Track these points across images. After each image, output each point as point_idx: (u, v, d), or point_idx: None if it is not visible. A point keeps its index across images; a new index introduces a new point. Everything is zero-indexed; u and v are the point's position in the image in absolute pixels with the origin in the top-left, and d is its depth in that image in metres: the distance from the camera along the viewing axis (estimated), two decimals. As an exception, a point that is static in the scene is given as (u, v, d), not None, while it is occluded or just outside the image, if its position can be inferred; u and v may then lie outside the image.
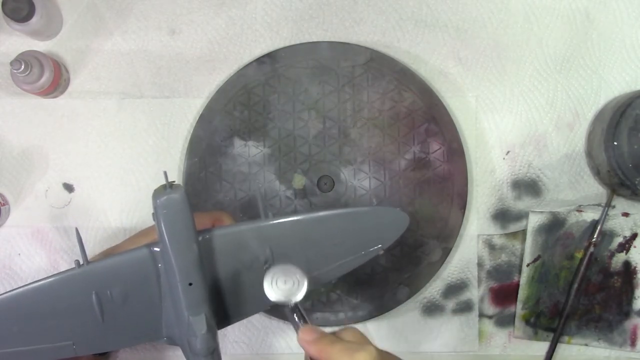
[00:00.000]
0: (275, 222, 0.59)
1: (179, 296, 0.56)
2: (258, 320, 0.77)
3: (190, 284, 0.55)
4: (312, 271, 0.60)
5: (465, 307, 0.76)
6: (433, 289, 0.77)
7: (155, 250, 0.57)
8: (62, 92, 0.77)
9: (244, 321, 0.77)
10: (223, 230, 0.58)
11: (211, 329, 0.57)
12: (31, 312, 0.56)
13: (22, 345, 0.57)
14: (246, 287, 0.59)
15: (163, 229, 0.55)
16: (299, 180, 0.76)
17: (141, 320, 0.59)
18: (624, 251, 0.75)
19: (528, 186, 0.77)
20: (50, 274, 0.56)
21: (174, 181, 0.55)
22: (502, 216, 0.77)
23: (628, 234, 0.75)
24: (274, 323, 0.77)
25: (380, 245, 0.61)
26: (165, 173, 0.55)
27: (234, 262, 0.59)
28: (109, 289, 0.57)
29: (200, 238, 0.56)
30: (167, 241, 0.55)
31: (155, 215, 0.55)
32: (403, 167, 0.75)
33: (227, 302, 0.60)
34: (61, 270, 0.56)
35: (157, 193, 0.54)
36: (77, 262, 0.56)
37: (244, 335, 0.77)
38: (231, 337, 0.77)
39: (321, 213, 0.60)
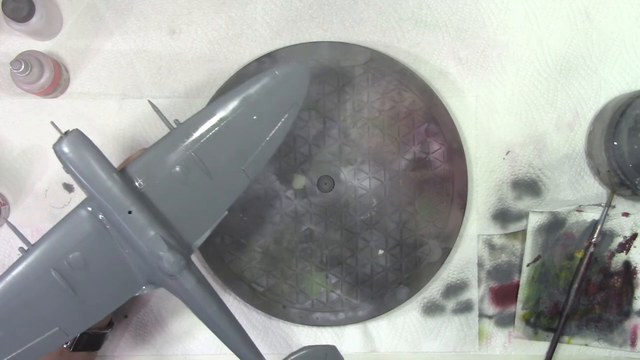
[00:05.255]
0: (182, 127, 0.59)
1: (127, 230, 0.56)
2: (258, 320, 0.77)
3: (130, 212, 0.56)
4: (247, 158, 0.61)
5: (465, 307, 0.77)
6: (433, 289, 0.77)
7: (88, 203, 0.57)
8: (62, 92, 0.77)
9: (244, 321, 0.77)
10: (139, 159, 0.59)
11: (173, 247, 0.57)
12: (4, 316, 0.56)
13: (13, 350, 0.57)
14: (192, 201, 0.60)
15: (75, 171, 0.56)
16: (299, 180, 0.76)
17: (113, 277, 0.59)
18: (624, 251, 0.75)
19: (528, 186, 0.77)
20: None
21: (68, 130, 0.56)
22: (502, 216, 0.77)
23: (628, 234, 0.75)
24: (274, 323, 0.77)
25: (295, 105, 0.62)
26: (52, 123, 0.57)
27: (168, 182, 0.59)
28: (65, 260, 0.57)
29: (130, 173, 0.57)
30: (85, 181, 0.56)
31: (64, 166, 0.56)
32: (403, 167, 0.75)
33: (183, 224, 0.60)
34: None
35: (55, 144, 0.56)
36: (21, 248, 0.57)
37: (244, 335, 0.77)
38: (231, 337, 0.77)
39: (222, 98, 0.60)
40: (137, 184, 0.58)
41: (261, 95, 0.60)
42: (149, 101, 0.62)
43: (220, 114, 0.60)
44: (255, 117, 0.60)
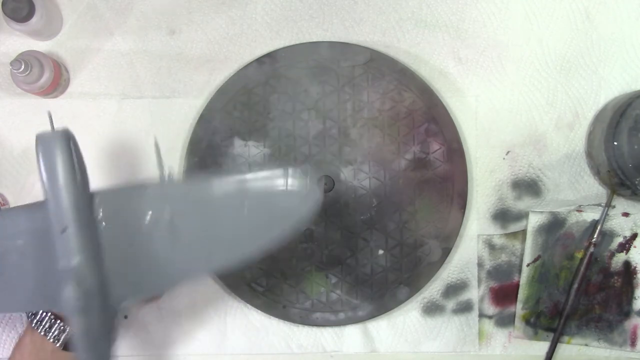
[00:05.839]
0: (173, 183, 0.57)
1: (54, 244, 0.53)
2: (258, 320, 0.77)
3: (64, 230, 0.53)
4: (220, 243, 0.56)
5: (465, 307, 0.77)
6: (433, 289, 0.77)
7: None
8: (62, 92, 0.77)
9: (244, 321, 0.77)
10: (114, 188, 0.56)
11: (83, 285, 0.53)
12: None
13: None
14: (145, 257, 0.55)
15: (40, 165, 0.54)
16: (299, 180, 0.75)
17: (40, 280, 0.55)
18: (624, 251, 0.75)
19: (528, 186, 0.77)
20: None
21: (63, 127, 0.55)
22: (502, 216, 0.77)
23: (628, 234, 0.75)
24: (274, 323, 0.77)
25: (290, 226, 0.56)
26: (49, 113, 0.55)
27: (132, 223, 0.55)
28: (7, 239, 0.55)
29: (99, 198, 0.55)
30: (43, 179, 0.54)
31: (36, 157, 0.54)
32: (403, 167, 0.75)
33: (117, 276, 0.55)
34: None
35: (41, 133, 0.54)
36: None
37: (244, 335, 0.77)
38: (231, 337, 0.77)
39: (224, 177, 0.56)
40: (97, 210, 0.55)
41: (258, 194, 0.55)
42: (155, 141, 0.60)
43: (211, 187, 0.56)
44: (246, 215, 0.55)
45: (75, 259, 0.53)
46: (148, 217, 0.55)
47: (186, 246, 0.55)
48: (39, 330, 0.65)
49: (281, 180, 0.55)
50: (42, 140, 0.54)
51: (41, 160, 0.54)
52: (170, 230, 0.55)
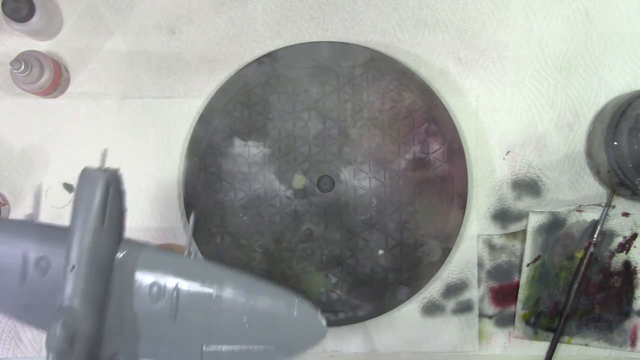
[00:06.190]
0: (194, 262, 0.56)
1: (64, 274, 0.53)
2: (258, 320, 0.77)
3: (73, 268, 0.52)
4: (213, 337, 0.55)
5: (465, 307, 0.77)
6: (433, 289, 0.77)
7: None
8: (62, 92, 0.77)
9: (244, 321, 0.77)
10: (146, 244, 0.56)
11: (72, 329, 0.52)
12: None
13: None
14: (140, 319, 0.55)
15: (76, 198, 0.54)
16: (299, 180, 0.76)
17: (44, 299, 0.55)
18: (624, 251, 0.75)
19: (528, 186, 0.77)
20: None
21: (117, 169, 0.55)
22: (502, 216, 0.77)
23: (628, 234, 0.75)
24: (274, 323, 0.77)
25: (285, 353, 0.55)
26: (104, 152, 0.56)
27: (142, 283, 0.55)
28: (36, 253, 0.55)
29: (122, 251, 0.55)
30: (73, 212, 0.54)
31: (76, 187, 0.54)
32: (403, 167, 0.75)
33: (119, 327, 0.55)
34: None
35: (87, 168, 0.54)
36: (30, 214, 0.57)
37: (244, 335, 0.77)
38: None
39: (240, 275, 0.56)
40: (118, 258, 0.55)
41: (261, 303, 0.55)
42: (193, 217, 0.58)
43: (224, 281, 0.55)
44: (246, 325, 0.55)
45: (73, 300, 0.52)
46: (159, 284, 0.55)
47: (181, 327, 0.55)
48: None
49: (289, 308, 0.55)
50: (86, 175, 0.54)
51: (79, 193, 0.54)
52: (171, 304, 0.55)
